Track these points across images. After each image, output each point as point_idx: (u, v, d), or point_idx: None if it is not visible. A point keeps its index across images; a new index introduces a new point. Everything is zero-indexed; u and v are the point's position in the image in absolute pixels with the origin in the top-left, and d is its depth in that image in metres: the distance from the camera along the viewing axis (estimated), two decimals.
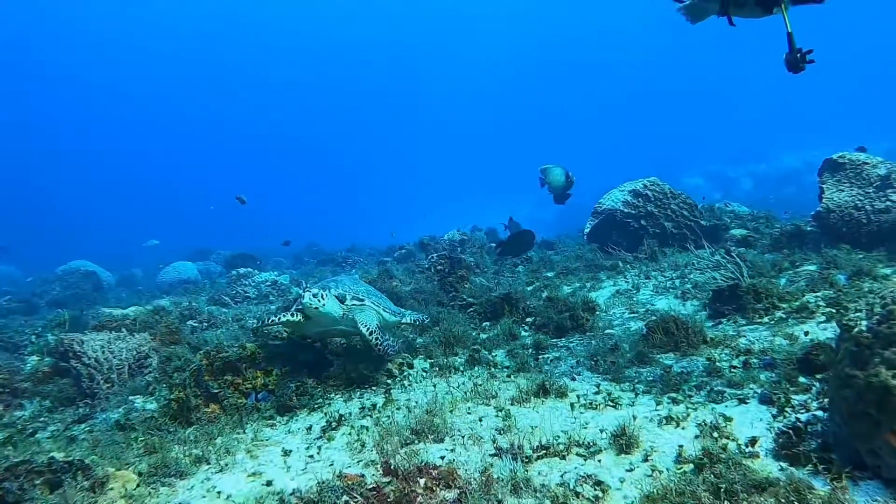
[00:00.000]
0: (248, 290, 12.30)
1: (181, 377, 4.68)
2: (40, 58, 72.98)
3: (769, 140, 46.15)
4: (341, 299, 5.01)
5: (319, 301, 4.65)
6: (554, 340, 6.12)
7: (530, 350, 5.77)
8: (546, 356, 5.59)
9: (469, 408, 4.15)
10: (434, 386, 4.94)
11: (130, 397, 5.73)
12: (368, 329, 4.95)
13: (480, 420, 3.92)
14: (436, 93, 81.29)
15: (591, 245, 11.30)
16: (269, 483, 3.38)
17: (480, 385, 4.41)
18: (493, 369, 5.24)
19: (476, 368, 5.30)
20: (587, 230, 11.41)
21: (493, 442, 3.54)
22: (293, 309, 5.03)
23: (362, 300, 5.15)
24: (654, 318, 5.61)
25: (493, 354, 5.74)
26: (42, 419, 5.54)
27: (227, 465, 3.71)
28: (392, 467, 3.17)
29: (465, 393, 4.39)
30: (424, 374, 5.37)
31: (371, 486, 3.01)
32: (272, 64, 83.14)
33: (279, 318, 5.02)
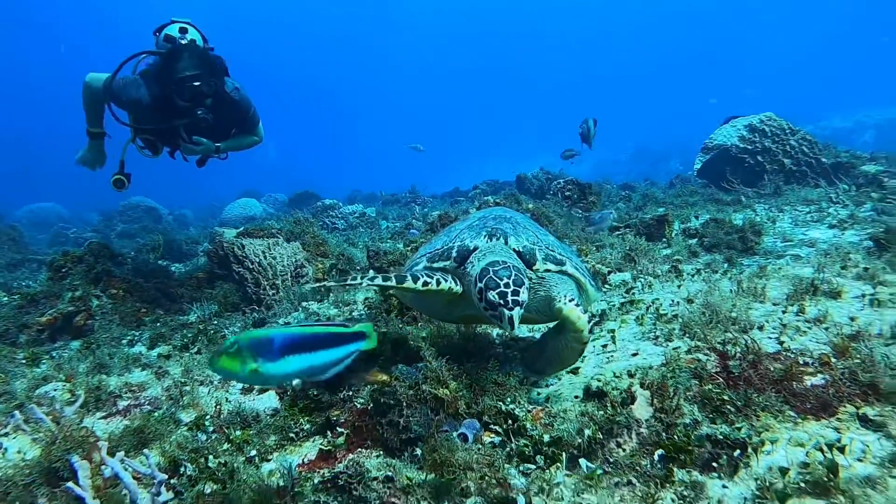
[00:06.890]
0: (336, 222, 12.00)
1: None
2: None
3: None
4: (528, 258, 2.80)
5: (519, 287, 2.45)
6: (738, 259, 5.71)
7: (725, 265, 5.38)
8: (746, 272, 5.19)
9: None
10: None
11: (303, 303, 5.46)
12: (581, 318, 2.60)
13: None
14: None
15: (701, 181, 10.79)
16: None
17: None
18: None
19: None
20: (697, 166, 10.88)
21: None
22: (439, 268, 2.89)
23: (562, 262, 2.85)
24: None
25: (694, 267, 5.38)
26: (214, 322, 5.30)
27: None
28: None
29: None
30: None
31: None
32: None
33: (427, 276, 2.76)
